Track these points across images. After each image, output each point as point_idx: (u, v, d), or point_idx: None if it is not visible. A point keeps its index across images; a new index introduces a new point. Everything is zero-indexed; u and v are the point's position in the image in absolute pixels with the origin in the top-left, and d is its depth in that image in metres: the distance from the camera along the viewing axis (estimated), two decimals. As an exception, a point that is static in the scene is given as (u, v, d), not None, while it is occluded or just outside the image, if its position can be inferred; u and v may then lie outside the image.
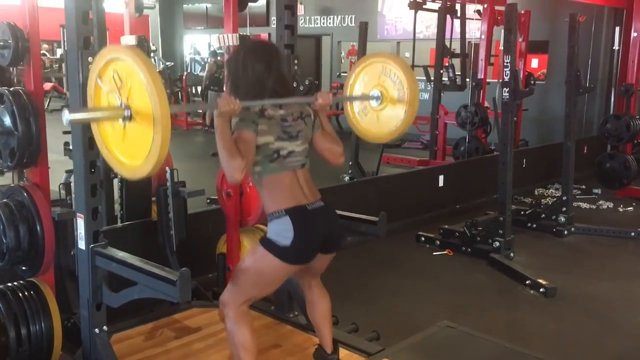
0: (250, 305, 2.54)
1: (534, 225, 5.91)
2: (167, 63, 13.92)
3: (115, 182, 4.05)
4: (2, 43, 2.72)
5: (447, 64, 8.29)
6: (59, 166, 3.66)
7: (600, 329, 3.89)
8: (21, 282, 2.86)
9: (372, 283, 4.49)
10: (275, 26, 3.40)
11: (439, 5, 8.28)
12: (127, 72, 2.01)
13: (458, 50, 8.39)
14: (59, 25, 12.70)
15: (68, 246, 3.19)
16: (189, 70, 15.47)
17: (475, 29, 8.79)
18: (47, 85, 12.99)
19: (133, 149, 2.08)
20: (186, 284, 2.21)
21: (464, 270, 4.88)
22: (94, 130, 2.23)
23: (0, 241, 2.74)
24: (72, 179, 2.11)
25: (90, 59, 2.43)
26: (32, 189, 2.81)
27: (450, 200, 6.55)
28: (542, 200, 6.77)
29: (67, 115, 1.98)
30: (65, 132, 4.60)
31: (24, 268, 2.89)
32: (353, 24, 12.38)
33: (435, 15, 8.39)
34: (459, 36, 8.37)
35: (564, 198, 5.81)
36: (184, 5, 16.44)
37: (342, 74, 13.19)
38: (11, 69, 2.92)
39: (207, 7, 15.72)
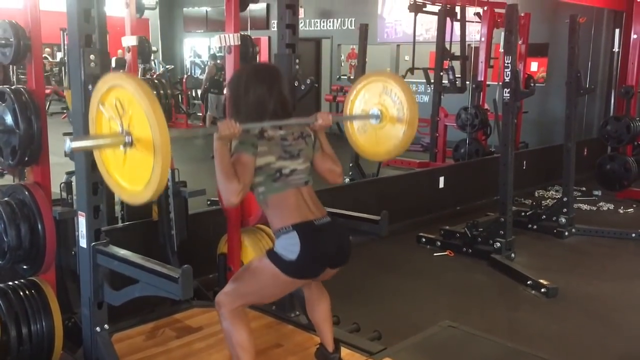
0: (250, 305, 2.54)
1: (535, 227, 5.90)
2: (167, 66, 13.94)
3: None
4: (3, 41, 2.72)
5: (447, 67, 8.30)
6: (60, 168, 3.65)
7: (601, 329, 3.88)
8: (22, 281, 2.86)
9: (373, 284, 4.49)
10: (275, 29, 3.41)
11: (439, 7, 8.29)
12: (129, 100, 2.03)
13: (458, 53, 8.40)
14: (59, 28, 12.78)
15: (69, 246, 3.18)
16: (189, 73, 15.48)
17: (475, 32, 8.81)
18: (47, 89, 13.01)
19: (133, 174, 2.11)
20: (188, 281, 2.21)
21: (465, 271, 4.88)
22: (95, 153, 2.25)
23: (1, 240, 2.74)
24: (73, 179, 2.11)
25: (92, 56, 2.43)
26: (34, 187, 2.81)
27: (450, 202, 6.55)
28: (543, 202, 6.77)
29: (69, 144, 2.01)
30: (66, 134, 4.62)
31: (25, 267, 2.89)
32: (353, 27, 12.39)
33: (435, 18, 8.40)
34: (458, 39, 8.38)
35: (565, 199, 5.81)
36: (184, 9, 16.47)
37: (342, 76, 13.19)
38: (11, 67, 2.92)
39: (207, 11, 15.74)
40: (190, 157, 9.29)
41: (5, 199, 2.80)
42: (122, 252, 2.53)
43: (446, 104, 8.43)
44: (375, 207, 5.64)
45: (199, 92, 12.71)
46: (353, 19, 12.50)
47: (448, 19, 8.23)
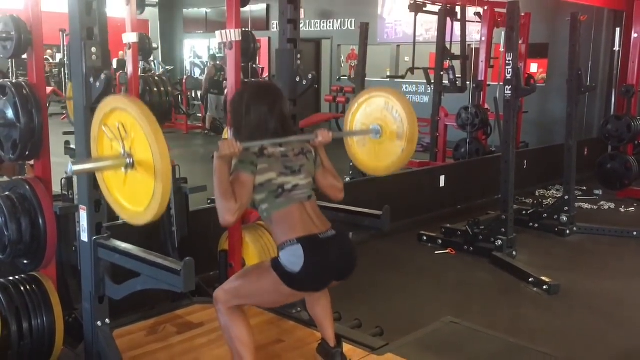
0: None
1: (536, 225, 5.89)
2: (167, 67, 13.94)
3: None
4: (5, 35, 2.72)
5: (447, 67, 8.29)
6: (59, 168, 3.64)
7: (604, 326, 3.87)
8: (23, 276, 2.85)
9: (374, 281, 4.47)
10: (275, 30, 3.42)
11: (439, 7, 8.30)
12: (132, 124, 2.05)
13: (458, 53, 8.40)
14: (59, 29, 12.77)
15: (70, 242, 3.19)
16: (188, 74, 15.49)
17: (475, 32, 8.81)
18: (47, 90, 12.98)
19: (134, 195, 2.14)
20: (190, 273, 2.20)
21: (466, 268, 4.87)
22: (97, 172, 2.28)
23: (2, 234, 2.73)
24: (70, 167, 2.11)
25: (93, 49, 2.42)
26: (34, 181, 2.80)
27: (451, 201, 6.54)
28: (543, 202, 6.76)
29: (71, 167, 2.03)
30: (66, 133, 4.61)
31: (25, 262, 2.88)
32: (353, 28, 12.40)
33: (435, 18, 8.40)
34: (458, 39, 8.38)
35: (566, 197, 5.80)
36: (184, 10, 16.49)
37: (341, 77, 13.20)
38: (9, 62, 2.91)
39: (206, 12, 15.76)
40: (190, 158, 9.26)
41: (6, 193, 2.79)
42: (124, 246, 2.52)
43: (446, 103, 8.42)
44: (376, 205, 5.54)
45: (199, 93, 12.72)
46: (353, 20, 12.50)
47: (448, 19, 8.23)
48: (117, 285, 2.56)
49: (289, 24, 3.29)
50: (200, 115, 12.85)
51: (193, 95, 13.53)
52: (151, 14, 16.28)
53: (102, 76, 2.38)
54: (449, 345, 3.28)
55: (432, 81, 8.33)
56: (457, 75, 8.31)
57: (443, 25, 8.16)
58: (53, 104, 13.61)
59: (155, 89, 4.23)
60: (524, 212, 6.00)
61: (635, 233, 5.69)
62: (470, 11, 8.57)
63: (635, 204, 7.00)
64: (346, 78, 12.57)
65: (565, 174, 5.87)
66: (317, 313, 2.77)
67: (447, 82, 8.42)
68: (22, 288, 2.76)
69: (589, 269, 4.95)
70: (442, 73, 8.30)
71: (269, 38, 13.25)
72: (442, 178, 6.46)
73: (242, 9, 3.50)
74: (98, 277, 2.59)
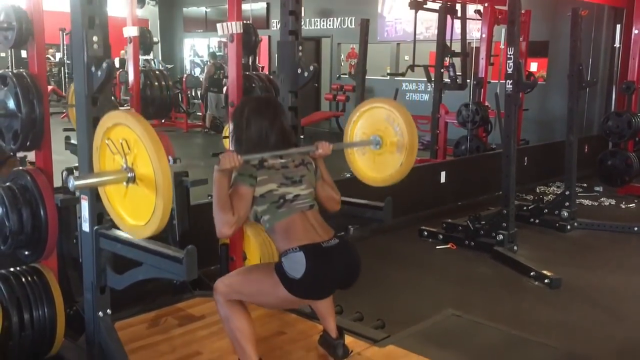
0: None
1: (537, 221, 5.88)
2: (167, 66, 13.93)
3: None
4: (5, 25, 2.71)
5: (447, 64, 8.29)
6: (59, 166, 3.62)
7: (605, 319, 3.87)
8: (24, 267, 2.84)
9: (375, 275, 4.46)
10: (275, 29, 3.43)
11: (440, 4, 8.29)
12: (134, 140, 2.06)
13: (458, 51, 8.39)
14: (59, 28, 12.76)
15: (70, 234, 3.18)
16: (188, 72, 15.50)
17: (475, 30, 8.81)
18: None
19: (134, 208, 2.15)
20: (192, 261, 2.18)
21: (467, 263, 4.86)
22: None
23: (3, 224, 2.72)
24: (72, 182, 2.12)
25: (95, 37, 2.41)
26: (36, 172, 2.79)
27: (451, 197, 6.53)
28: (544, 198, 6.76)
29: (73, 182, 2.04)
30: (66, 129, 4.61)
31: (26, 253, 2.86)
32: (353, 26, 12.39)
33: (435, 16, 8.39)
34: (458, 37, 8.37)
35: (567, 193, 5.80)
36: (184, 9, 16.49)
37: (341, 75, 13.20)
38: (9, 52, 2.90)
39: (206, 11, 15.76)
40: (190, 156, 9.30)
41: (7, 183, 2.78)
42: (125, 235, 2.50)
43: (446, 101, 8.42)
44: (375, 201, 5.60)
45: (199, 91, 12.72)
46: (353, 18, 12.50)
47: (448, 17, 8.22)
48: (118, 275, 2.55)
49: (290, 16, 3.29)
50: (200, 113, 12.84)
51: (193, 94, 13.52)
52: (151, 12, 16.30)
53: (104, 65, 2.36)
54: (451, 337, 3.28)
55: (433, 79, 8.33)
56: (457, 73, 8.30)
57: (443, 23, 8.15)
58: (53, 104, 13.65)
59: (156, 83, 4.23)
60: (524, 208, 5.99)
61: (636, 228, 5.69)
62: (471, 9, 8.56)
63: (636, 200, 6.99)
64: (346, 76, 12.59)
65: (566, 169, 5.86)
66: (318, 306, 2.77)
67: (447, 79, 8.41)
68: (23, 279, 2.74)
69: (590, 263, 4.94)
70: (442, 70, 8.30)
71: (269, 37, 13.24)
72: (443, 174, 6.45)
73: (242, 8, 3.50)
74: (99, 267, 2.58)
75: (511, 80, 4.87)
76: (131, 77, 4.15)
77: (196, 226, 3.85)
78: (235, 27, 3.49)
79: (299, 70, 3.27)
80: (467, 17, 8.46)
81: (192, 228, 3.81)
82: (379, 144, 2.85)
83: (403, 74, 9.64)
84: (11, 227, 2.70)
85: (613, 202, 6.95)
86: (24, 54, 3.16)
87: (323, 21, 13.31)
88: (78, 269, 2.92)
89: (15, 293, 2.68)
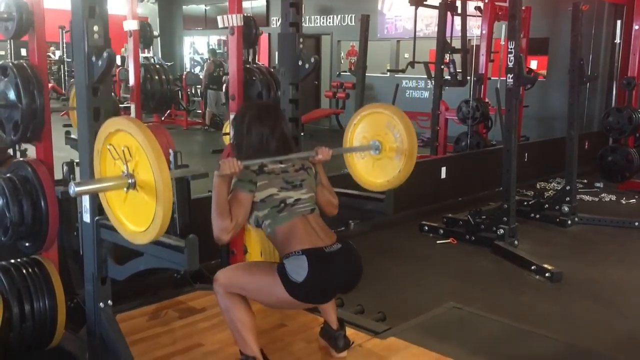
0: None
1: (537, 216, 5.88)
2: (167, 63, 13.93)
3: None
4: (6, 15, 2.70)
5: (447, 61, 8.28)
6: (58, 162, 3.61)
7: (606, 311, 3.87)
8: (25, 259, 2.83)
9: (376, 269, 4.46)
10: (274, 26, 3.42)
11: (440, 1, 8.28)
12: (136, 148, 2.05)
13: (458, 47, 8.38)
14: (58, 26, 12.75)
15: (71, 227, 3.17)
16: (188, 70, 15.51)
17: (475, 27, 8.80)
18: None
19: (133, 214, 2.15)
20: (193, 250, 2.18)
21: (468, 257, 4.86)
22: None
23: (3, 215, 2.72)
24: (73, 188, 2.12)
25: (95, 27, 2.40)
26: (36, 163, 2.79)
27: (452, 193, 6.53)
28: (544, 194, 6.75)
29: (74, 188, 2.03)
30: (66, 125, 4.61)
31: (27, 244, 2.86)
32: (353, 23, 12.39)
33: (435, 13, 8.39)
34: (458, 34, 8.37)
35: (567, 188, 5.80)
36: (184, 7, 16.49)
37: (341, 73, 13.18)
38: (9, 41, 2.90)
39: (205, 9, 15.75)
40: (190, 153, 9.28)
41: (8, 174, 2.77)
42: (126, 226, 2.50)
43: (446, 98, 8.42)
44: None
45: (199, 88, 12.72)
46: (353, 15, 12.49)
47: (449, 13, 8.21)
48: (119, 266, 2.54)
49: (291, 7, 3.28)
50: (200, 111, 12.84)
51: (193, 91, 13.52)
52: (151, 10, 16.29)
53: (105, 54, 2.35)
54: (452, 329, 3.27)
55: (433, 76, 8.32)
56: (457, 69, 8.30)
57: (443, 19, 8.15)
58: (52, 102, 13.65)
59: (157, 77, 4.22)
60: (525, 203, 5.99)
61: (637, 223, 5.68)
62: (471, 5, 8.56)
63: (636, 196, 6.99)
64: (346, 73, 12.55)
65: (567, 164, 5.86)
66: (320, 299, 2.76)
67: (447, 76, 8.41)
68: (24, 270, 2.74)
69: (591, 257, 4.94)
70: (442, 67, 8.29)
71: (269, 34, 13.24)
72: (443, 170, 6.45)
73: (242, 5, 3.50)
74: (100, 258, 2.56)
75: (512, 74, 4.86)
76: (132, 70, 4.15)
77: (197, 220, 3.84)
78: (235, 19, 3.49)
79: (300, 62, 3.26)
80: (468, 13, 8.46)
81: (193, 222, 3.79)
82: (379, 149, 2.87)
83: (403, 70, 9.63)
84: (12, 218, 2.70)
85: (613, 197, 6.95)
86: (23, 52, 3.18)
87: (323, 18, 13.30)
88: (79, 262, 2.92)
89: (16, 284, 2.68)
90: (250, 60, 4.14)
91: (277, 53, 3.59)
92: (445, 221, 5.41)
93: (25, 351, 2.75)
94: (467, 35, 8.44)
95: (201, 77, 12.67)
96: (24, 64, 2.72)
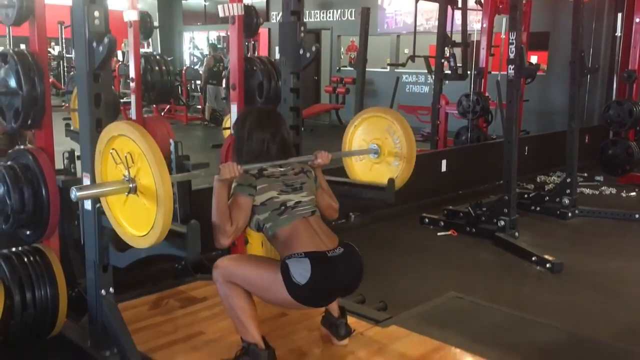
0: None
1: (538, 208, 5.88)
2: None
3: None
4: (6, 2, 2.69)
5: (448, 55, 8.27)
6: (57, 156, 3.60)
7: (607, 301, 3.87)
8: (26, 247, 2.83)
9: (377, 260, 4.45)
10: (274, 21, 3.42)
11: (441, -6, 8.27)
12: (138, 154, 2.06)
13: (458, 41, 8.37)
14: (57, 22, 12.72)
15: (72, 216, 3.17)
16: (187, 65, 15.50)
17: (476, 21, 8.78)
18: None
19: (133, 218, 2.16)
20: (195, 237, 2.18)
21: (469, 249, 4.86)
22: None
23: (4, 203, 2.71)
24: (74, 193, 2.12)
25: (96, 13, 2.40)
26: (37, 151, 2.78)
27: (452, 186, 6.52)
28: (545, 187, 6.75)
29: (75, 193, 2.04)
30: (65, 119, 4.60)
31: (28, 232, 2.86)
32: (353, 18, 12.38)
33: (435, 7, 8.38)
34: (458, 29, 8.36)
35: (568, 180, 5.79)
36: (183, 2, 16.47)
37: (341, 68, 13.18)
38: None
39: (205, 4, 15.74)
40: (190, 148, 9.22)
41: (9, 162, 2.77)
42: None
43: (447, 92, 8.41)
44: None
45: (199, 83, 12.70)
46: (353, 10, 12.47)
47: (449, 7, 8.19)
48: (120, 253, 2.54)
49: (292, -3, 3.26)
50: (199, 106, 12.82)
51: (192, 86, 13.51)
52: (150, 6, 16.26)
53: (105, 40, 2.35)
54: (453, 318, 3.27)
55: (433, 70, 8.31)
56: (458, 64, 8.29)
57: (444, 13, 8.13)
58: (52, 97, 13.62)
59: (157, 68, 4.21)
60: (525, 196, 5.99)
61: (637, 216, 5.68)
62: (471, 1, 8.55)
63: (636, 189, 6.98)
64: (346, 68, 12.55)
65: (567, 156, 5.85)
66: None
67: (447, 70, 8.39)
68: (26, 259, 2.74)
69: (592, 249, 4.94)
70: (442, 61, 8.28)
71: (269, 29, 13.23)
72: (444, 163, 6.45)
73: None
74: (102, 245, 2.57)
75: (513, 66, 4.85)
76: (132, 62, 4.14)
77: (197, 211, 3.84)
78: (236, 8, 3.48)
79: (301, 51, 3.25)
80: (468, 7, 8.44)
81: (194, 213, 3.79)
82: (377, 152, 2.92)
83: (403, 65, 9.63)
84: (13, 206, 2.70)
85: (614, 191, 6.94)
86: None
87: (323, 13, 13.29)
88: (80, 251, 2.92)
89: (17, 272, 2.68)
90: (249, 55, 4.15)
91: (277, 47, 3.59)
92: (446, 213, 5.41)
93: (26, 339, 2.76)
94: (468, 29, 8.43)
95: (201, 72, 12.66)
96: (25, 51, 2.72)
